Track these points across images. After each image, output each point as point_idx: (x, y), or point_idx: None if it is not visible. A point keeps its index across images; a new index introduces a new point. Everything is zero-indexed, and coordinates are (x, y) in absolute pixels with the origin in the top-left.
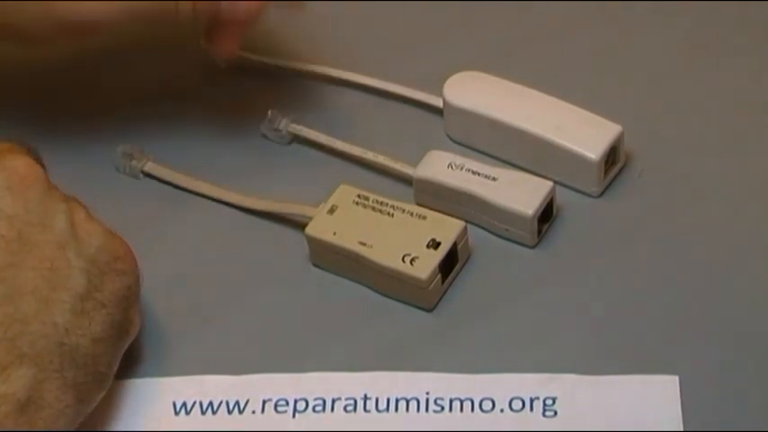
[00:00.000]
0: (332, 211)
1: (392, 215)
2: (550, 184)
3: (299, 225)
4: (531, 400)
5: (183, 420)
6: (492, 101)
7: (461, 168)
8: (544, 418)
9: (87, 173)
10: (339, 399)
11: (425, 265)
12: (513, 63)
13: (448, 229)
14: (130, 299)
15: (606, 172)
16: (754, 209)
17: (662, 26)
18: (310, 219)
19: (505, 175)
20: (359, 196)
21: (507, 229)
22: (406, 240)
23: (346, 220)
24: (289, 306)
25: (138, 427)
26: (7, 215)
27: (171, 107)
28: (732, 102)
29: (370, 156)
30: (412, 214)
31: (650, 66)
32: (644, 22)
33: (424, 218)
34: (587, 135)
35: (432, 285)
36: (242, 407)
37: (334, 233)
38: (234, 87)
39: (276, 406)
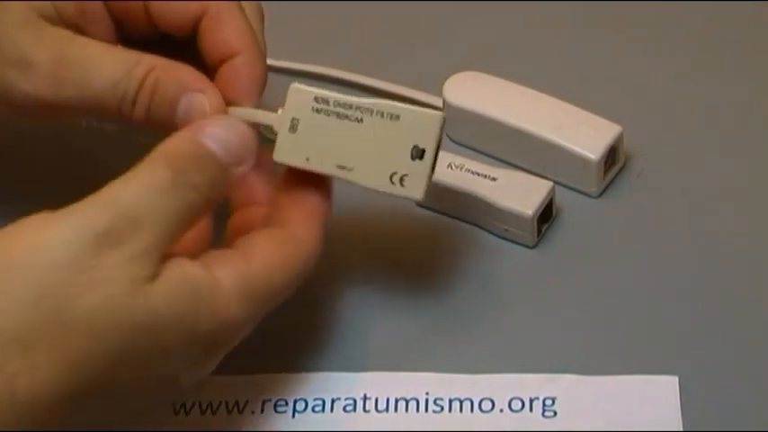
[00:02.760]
0: (294, 127)
1: (361, 120)
2: (550, 184)
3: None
4: (531, 401)
5: (182, 420)
6: (492, 101)
7: (461, 168)
8: (544, 419)
9: None
10: (339, 399)
11: (416, 184)
12: (513, 63)
13: (427, 128)
14: None
15: (606, 172)
16: (753, 209)
17: (662, 26)
18: (271, 129)
19: (505, 175)
20: (316, 100)
21: (507, 229)
22: (386, 153)
23: (314, 137)
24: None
25: (137, 426)
26: None
27: None
28: (732, 102)
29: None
30: (382, 115)
31: (650, 66)
32: (644, 22)
33: (397, 117)
34: (587, 135)
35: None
36: (242, 407)
37: (307, 158)
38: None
39: (276, 406)
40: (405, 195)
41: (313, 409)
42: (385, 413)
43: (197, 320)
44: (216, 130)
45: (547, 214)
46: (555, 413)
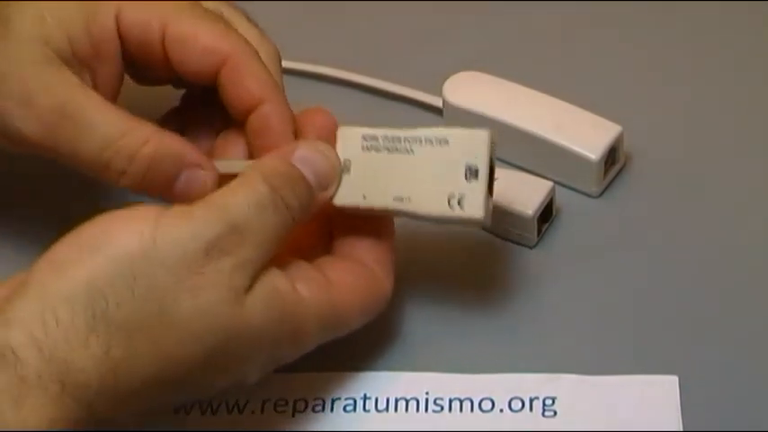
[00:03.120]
0: (347, 168)
1: (411, 150)
2: (550, 184)
3: None
4: (531, 400)
5: (183, 420)
6: (492, 101)
7: None
8: (544, 418)
9: None
10: (339, 399)
11: (476, 203)
12: (513, 63)
13: (477, 147)
14: None
15: (606, 172)
16: (754, 208)
17: (662, 26)
18: None
19: (505, 175)
20: (365, 138)
21: (507, 229)
22: (441, 178)
23: (368, 174)
24: None
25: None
26: None
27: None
28: (732, 102)
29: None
30: (432, 142)
31: (650, 66)
32: (644, 22)
33: (446, 142)
34: (587, 135)
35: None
36: (242, 407)
37: (364, 196)
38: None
39: (276, 406)
40: (466, 217)
41: (313, 409)
42: (385, 413)
43: (280, 334)
44: (306, 154)
45: (547, 214)
46: (555, 413)
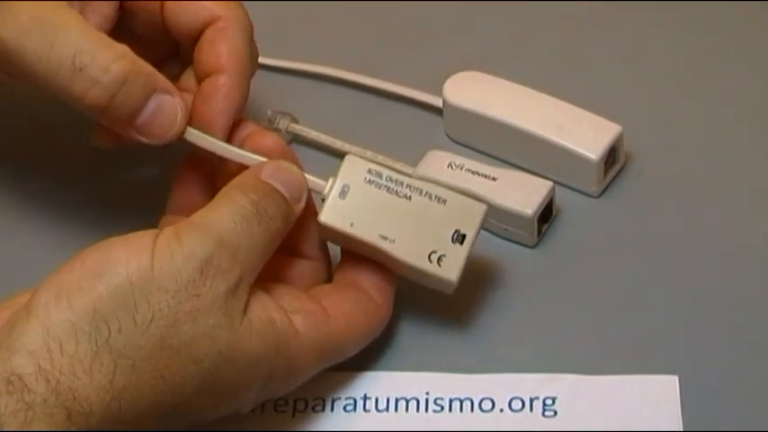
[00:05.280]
0: (344, 193)
1: (409, 198)
2: (550, 184)
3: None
4: (531, 400)
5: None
6: (492, 101)
7: (461, 168)
8: (544, 418)
9: None
10: (339, 398)
11: (453, 266)
12: (513, 63)
13: (470, 215)
14: None
15: (606, 172)
16: (753, 208)
17: (662, 26)
18: (320, 195)
19: (505, 175)
20: (370, 172)
21: (507, 229)
22: (429, 232)
23: (361, 205)
24: None
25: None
26: None
27: None
28: (732, 102)
29: (369, 156)
30: (431, 196)
31: (650, 66)
32: (644, 22)
33: (444, 201)
34: (587, 135)
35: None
36: None
37: (351, 224)
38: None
39: (276, 406)
40: (440, 275)
41: (313, 409)
42: (385, 413)
43: (274, 366)
44: (272, 171)
45: (547, 214)
46: (555, 413)
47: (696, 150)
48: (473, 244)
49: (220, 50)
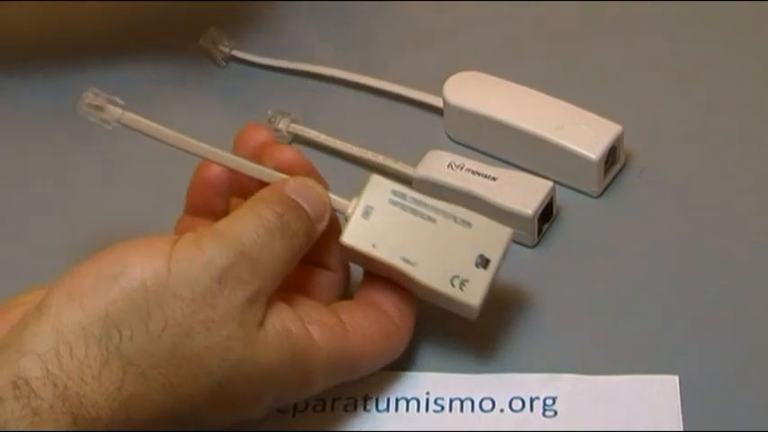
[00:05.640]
0: (367, 214)
1: (433, 220)
2: (550, 184)
3: None
4: (531, 400)
5: None
6: (492, 101)
7: (461, 168)
8: (544, 418)
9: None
10: (339, 398)
11: (476, 291)
12: (513, 63)
13: (495, 240)
14: None
15: (606, 172)
16: (753, 208)
17: (662, 26)
18: (343, 214)
19: (505, 175)
20: (394, 193)
21: None
22: (452, 256)
23: (385, 227)
24: None
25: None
26: None
27: (171, 106)
28: (732, 101)
29: (369, 156)
30: (455, 219)
31: (650, 66)
32: (644, 22)
33: (469, 225)
34: (587, 135)
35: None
36: None
37: (374, 245)
38: (234, 87)
39: None
40: (462, 300)
41: (313, 409)
42: (385, 413)
43: (288, 376)
44: (297, 187)
45: (547, 214)
46: (555, 413)
47: (696, 150)
48: (498, 269)
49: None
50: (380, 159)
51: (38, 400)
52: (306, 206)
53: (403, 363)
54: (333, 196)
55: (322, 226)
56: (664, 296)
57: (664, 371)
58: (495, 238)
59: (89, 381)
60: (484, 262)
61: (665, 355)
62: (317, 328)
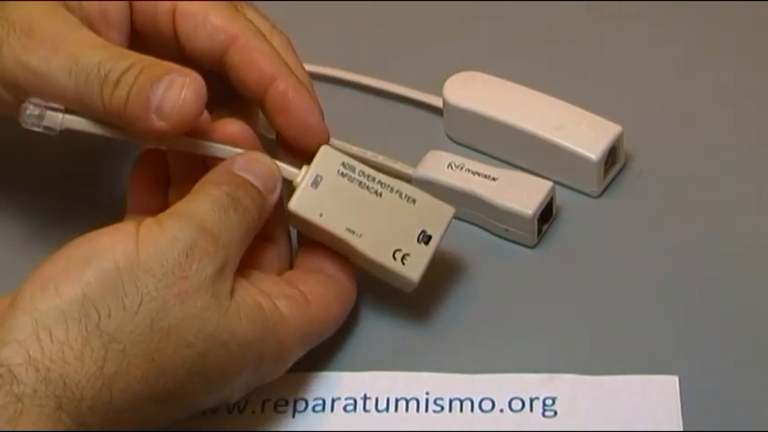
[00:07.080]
0: (316, 183)
1: (380, 194)
2: (550, 184)
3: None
4: (531, 400)
5: (182, 420)
6: (492, 101)
7: (461, 168)
8: (544, 418)
9: None
10: (339, 398)
11: (416, 265)
12: (513, 63)
13: (438, 217)
14: None
15: (606, 172)
16: (753, 208)
17: (662, 26)
18: (291, 183)
19: (505, 175)
20: (344, 165)
21: (507, 229)
22: (395, 230)
23: (332, 197)
24: None
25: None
26: None
27: None
28: (732, 101)
29: (369, 156)
30: (401, 195)
31: (650, 66)
32: (644, 22)
33: (414, 201)
34: (587, 135)
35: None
36: (242, 407)
37: (321, 214)
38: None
39: (276, 406)
40: (402, 273)
41: (313, 409)
42: (385, 413)
43: (264, 350)
44: (244, 163)
45: (547, 214)
46: (555, 413)
47: (696, 150)
48: (438, 245)
49: (259, 65)
50: (380, 159)
51: (20, 385)
52: (255, 181)
53: (403, 363)
54: (282, 165)
55: (274, 197)
56: (664, 296)
57: (664, 371)
58: (438, 215)
59: (71, 361)
60: (426, 238)
61: (664, 355)
62: (284, 302)
